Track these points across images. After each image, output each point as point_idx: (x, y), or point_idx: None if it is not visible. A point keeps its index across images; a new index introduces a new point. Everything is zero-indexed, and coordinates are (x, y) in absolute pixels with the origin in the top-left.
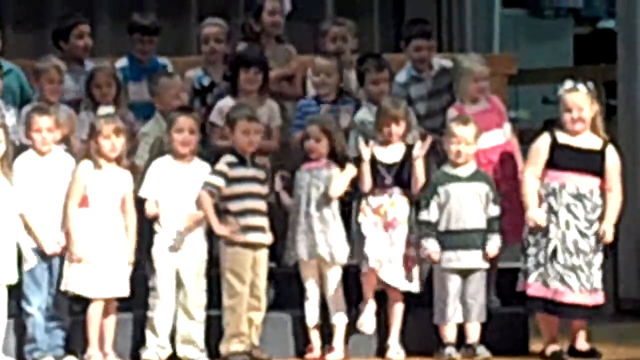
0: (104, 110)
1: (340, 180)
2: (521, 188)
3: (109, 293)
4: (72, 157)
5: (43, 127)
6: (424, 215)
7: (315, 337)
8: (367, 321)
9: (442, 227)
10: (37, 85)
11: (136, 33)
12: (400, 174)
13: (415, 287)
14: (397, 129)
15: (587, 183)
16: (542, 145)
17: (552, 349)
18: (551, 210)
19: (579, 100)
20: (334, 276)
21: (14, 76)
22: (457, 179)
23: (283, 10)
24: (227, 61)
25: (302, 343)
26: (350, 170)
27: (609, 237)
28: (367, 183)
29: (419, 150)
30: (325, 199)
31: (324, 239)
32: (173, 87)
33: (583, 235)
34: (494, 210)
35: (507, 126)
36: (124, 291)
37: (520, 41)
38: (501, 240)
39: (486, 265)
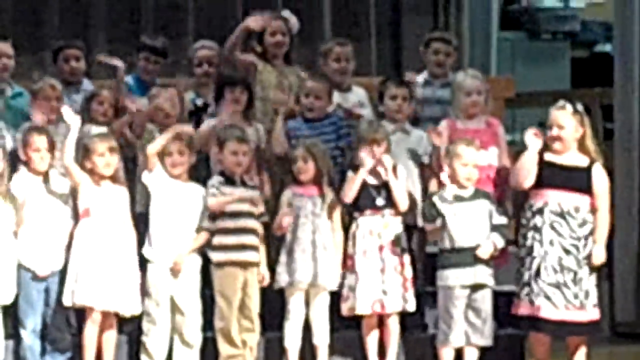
0: (97, 130)
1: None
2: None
3: (116, 307)
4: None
5: (41, 147)
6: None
7: (294, 359)
8: None
9: (447, 245)
10: (34, 105)
11: (144, 52)
12: (391, 195)
13: (412, 306)
14: (379, 151)
15: (572, 200)
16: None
17: None
18: (536, 229)
19: (561, 118)
20: (323, 300)
21: (24, 99)
22: (458, 198)
23: (290, 30)
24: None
25: None
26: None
27: (598, 260)
28: (351, 193)
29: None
30: (327, 226)
31: (325, 267)
32: (161, 95)
33: (567, 252)
34: (500, 220)
35: (494, 150)
36: (136, 308)
37: (517, 64)
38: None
39: (492, 282)
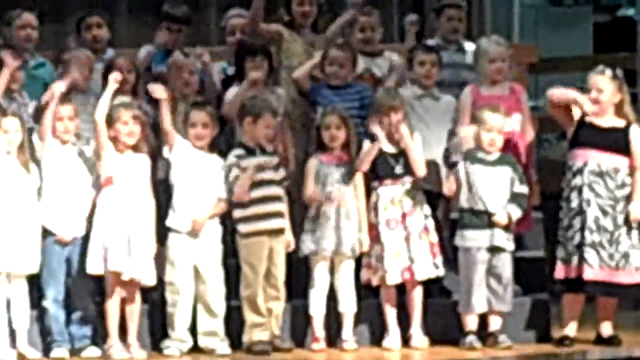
0: (120, 99)
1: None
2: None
3: (141, 275)
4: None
5: (65, 116)
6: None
7: (319, 327)
8: (394, 341)
9: (467, 206)
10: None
11: (166, 21)
12: (409, 162)
13: (441, 271)
14: (397, 118)
15: (611, 161)
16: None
17: (563, 332)
18: (576, 189)
19: (600, 82)
20: (348, 267)
21: (47, 70)
22: (482, 161)
23: None
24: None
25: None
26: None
27: (635, 216)
28: (366, 164)
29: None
30: (351, 194)
31: (349, 235)
32: (183, 67)
33: (605, 212)
34: (520, 188)
35: (517, 117)
36: (150, 279)
37: (539, 30)
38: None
39: (512, 247)
